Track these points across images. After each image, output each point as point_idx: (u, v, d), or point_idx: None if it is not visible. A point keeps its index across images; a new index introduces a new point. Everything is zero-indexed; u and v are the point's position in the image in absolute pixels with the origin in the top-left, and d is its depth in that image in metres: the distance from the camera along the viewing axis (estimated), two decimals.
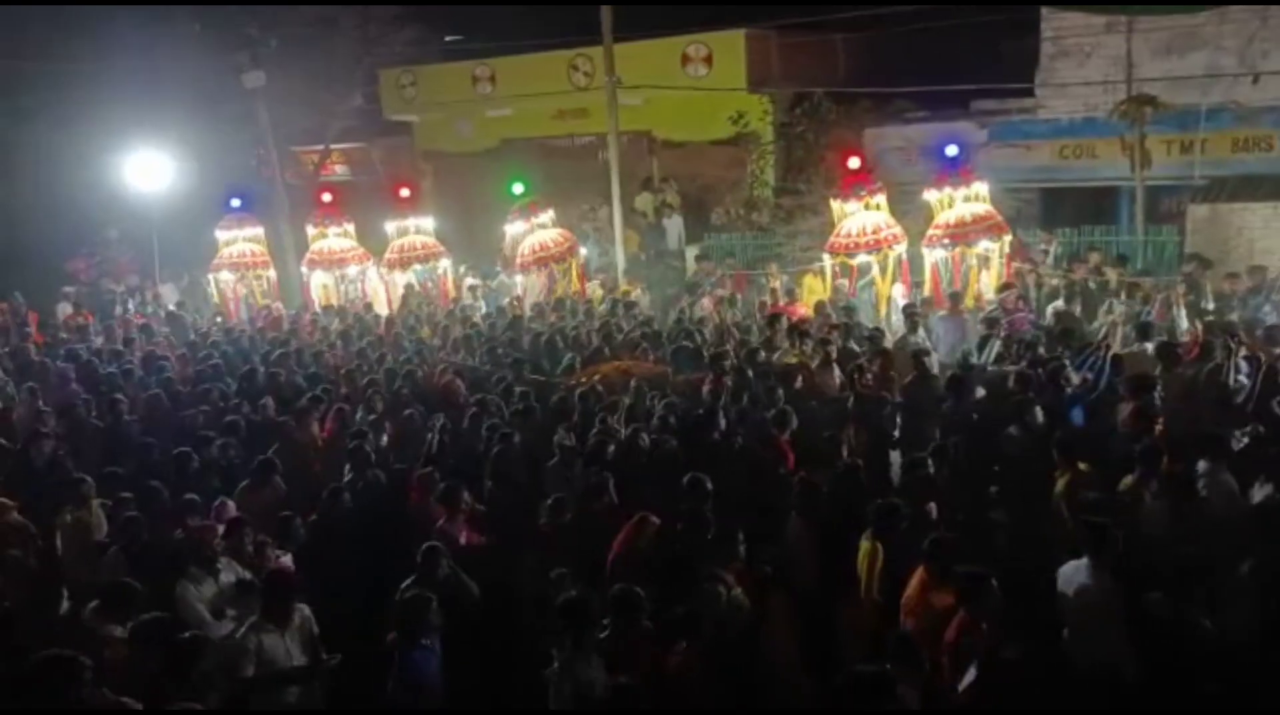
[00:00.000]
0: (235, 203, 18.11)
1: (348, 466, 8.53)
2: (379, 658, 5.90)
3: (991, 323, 11.41)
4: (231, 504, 7.90)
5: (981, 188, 14.07)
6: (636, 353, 11.48)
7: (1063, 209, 18.53)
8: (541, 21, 21.54)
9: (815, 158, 19.00)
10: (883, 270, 14.18)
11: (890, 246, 14.07)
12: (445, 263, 17.43)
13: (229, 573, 6.82)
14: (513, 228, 16.51)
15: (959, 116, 19.33)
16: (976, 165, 17.74)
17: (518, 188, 17.15)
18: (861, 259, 14.14)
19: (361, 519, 7.83)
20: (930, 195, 14.25)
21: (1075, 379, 9.10)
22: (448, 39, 25.28)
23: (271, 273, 18.05)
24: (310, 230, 17.75)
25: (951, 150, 14.39)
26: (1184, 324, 11.42)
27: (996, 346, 10.43)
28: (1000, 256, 13.86)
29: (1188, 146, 17.26)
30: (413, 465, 8.69)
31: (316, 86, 22.02)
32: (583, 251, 17.02)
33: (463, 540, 7.24)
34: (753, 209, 19.86)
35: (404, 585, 6.23)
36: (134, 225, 20.43)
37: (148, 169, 19.36)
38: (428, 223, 17.64)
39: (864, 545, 6.41)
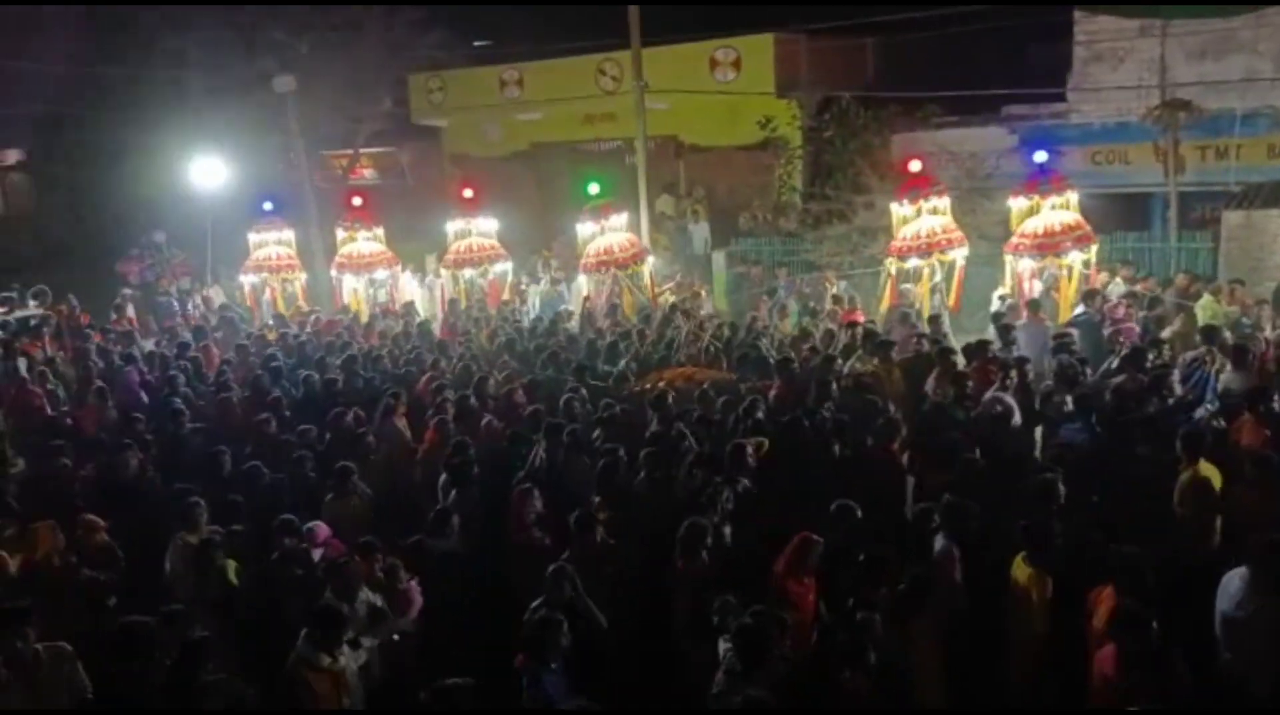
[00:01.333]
0: (267, 206, 18.24)
1: (443, 480, 8.13)
2: (503, 679, 5.80)
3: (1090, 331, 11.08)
4: (323, 527, 7.44)
5: (1072, 196, 13.56)
6: (705, 360, 11.32)
7: (1094, 215, 18.27)
8: (569, 25, 21.57)
9: (843, 162, 18.93)
10: (931, 274, 13.98)
11: (944, 250, 13.82)
12: (502, 266, 17.29)
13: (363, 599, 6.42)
14: (583, 228, 16.35)
15: (989, 121, 19.22)
16: (1001, 170, 17.79)
17: (593, 188, 16.98)
18: (913, 263, 13.93)
19: (467, 539, 7.48)
20: (1016, 202, 13.84)
21: (1179, 390, 8.89)
22: (476, 43, 25.39)
23: (302, 276, 18.16)
24: (340, 234, 17.84)
25: (1040, 156, 13.92)
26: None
27: (1114, 360, 9.89)
28: (1086, 266, 13.48)
29: (1222, 152, 17.11)
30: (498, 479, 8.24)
31: (345, 91, 22.17)
32: (651, 259, 16.71)
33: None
34: (780, 214, 19.81)
35: (532, 606, 6.07)
36: (182, 228, 20.69)
37: (203, 171, 19.60)
38: (490, 224, 17.51)
39: (1025, 571, 6.04)
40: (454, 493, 7.92)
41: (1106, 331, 11.25)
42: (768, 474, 7.71)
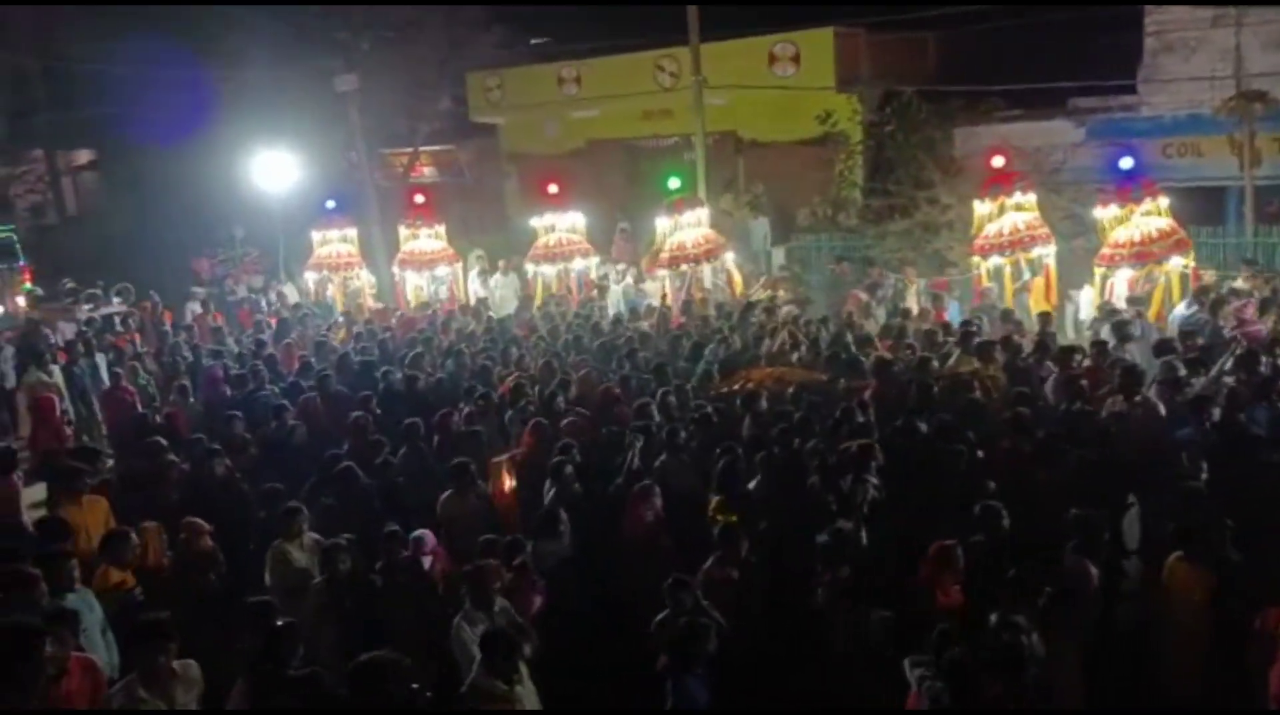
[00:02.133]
0: (330, 204, 18.49)
1: (548, 483, 7.93)
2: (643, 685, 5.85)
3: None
4: (430, 535, 7.23)
5: (1163, 201, 13.23)
6: (792, 358, 11.18)
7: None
8: (627, 22, 21.58)
9: (905, 157, 18.70)
10: (1016, 273, 13.74)
11: (1028, 248, 13.56)
12: (583, 262, 17.23)
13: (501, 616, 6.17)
14: (661, 224, 16.27)
15: (1055, 114, 18.85)
16: (1069, 164, 17.42)
17: (673, 182, 16.88)
18: (994, 261, 13.69)
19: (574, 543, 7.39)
20: (1102, 212, 13.41)
21: None
22: (534, 41, 25.50)
23: (366, 273, 18.38)
24: (402, 231, 18.02)
25: (1126, 163, 13.52)
26: None
27: (1229, 361, 9.52)
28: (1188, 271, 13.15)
29: None
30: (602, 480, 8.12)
31: (405, 90, 22.41)
32: (730, 256, 16.59)
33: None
34: (839, 210, 19.62)
35: (660, 617, 6.00)
36: (251, 226, 21.08)
37: (269, 169, 19.92)
38: (577, 219, 17.46)
39: (1184, 569, 5.97)
40: (553, 493, 7.83)
41: (1229, 332, 10.86)
42: (887, 478, 7.58)
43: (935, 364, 10.17)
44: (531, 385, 10.53)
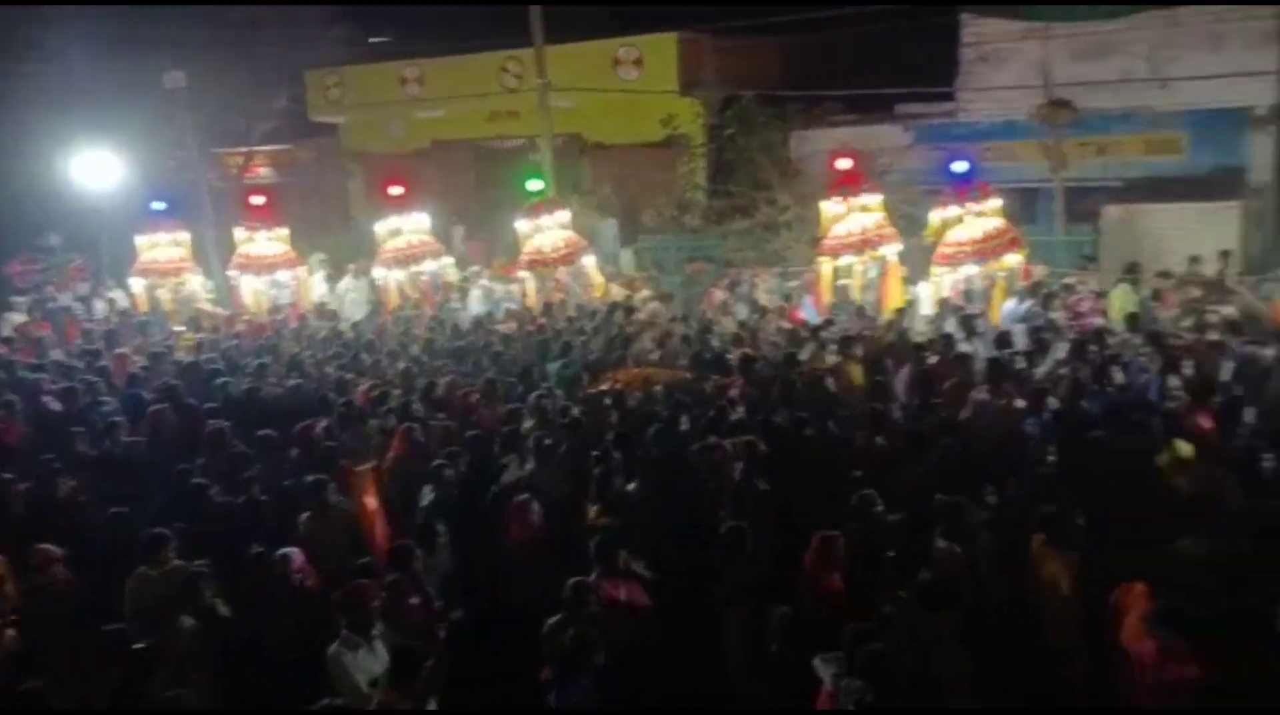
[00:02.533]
0: (157, 206, 17.61)
1: (427, 488, 7.68)
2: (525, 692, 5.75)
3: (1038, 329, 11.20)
4: (298, 553, 6.72)
5: (995, 202, 13.85)
6: (656, 358, 11.26)
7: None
8: (471, 23, 21.46)
9: (746, 160, 19.28)
10: (865, 271, 14.15)
11: (876, 247, 13.94)
12: (435, 264, 16.69)
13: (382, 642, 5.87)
14: (522, 226, 16.09)
15: (883, 119, 19.76)
16: (898, 167, 18.32)
17: (534, 184, 16.70)
18: (846, 260, 14.04)
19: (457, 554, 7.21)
20: (938, 214, 13.91)
21: (1120, 378, 9.26)
22: (373, 39, 25.02)
23: (199, 278, 17.55)
24: (239, 233, 17.32)
25: (959, 166, 14.11)
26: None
27: (1062, 350, 10.23)
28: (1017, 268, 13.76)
29: (1103, 149, 17.99)
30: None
31: (240, 88, 21.60)
32: (591, 258, 16.47)
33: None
34: (684, 211, 20.06)
35: (551, 622, 5.82)
36: (76, 230, 19.85)
37: (88, 168, 18.80)
38: (423, 220, 16.90)
39: (1049, 555, 6.21)
40: (431, 500, 7.60)
41: (1065, 324, 11.59)
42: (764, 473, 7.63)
43: (801, 360, 10.49)
44: (395, 392, 10.25)
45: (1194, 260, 13.70)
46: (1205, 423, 7.84)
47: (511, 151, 23.05)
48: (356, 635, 5.76)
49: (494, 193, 21.53)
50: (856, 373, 10.20)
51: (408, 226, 16.68)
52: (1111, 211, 16.75)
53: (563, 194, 19.01)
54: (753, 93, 19.81)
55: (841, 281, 14.19)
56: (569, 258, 15.84)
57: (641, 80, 21.22)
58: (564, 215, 16.32)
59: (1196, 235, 15.61)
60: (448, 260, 17.04)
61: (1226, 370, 9.23)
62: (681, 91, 20.93)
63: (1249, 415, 8.01)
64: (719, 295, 15.18)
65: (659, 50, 21.31)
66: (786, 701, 5.66)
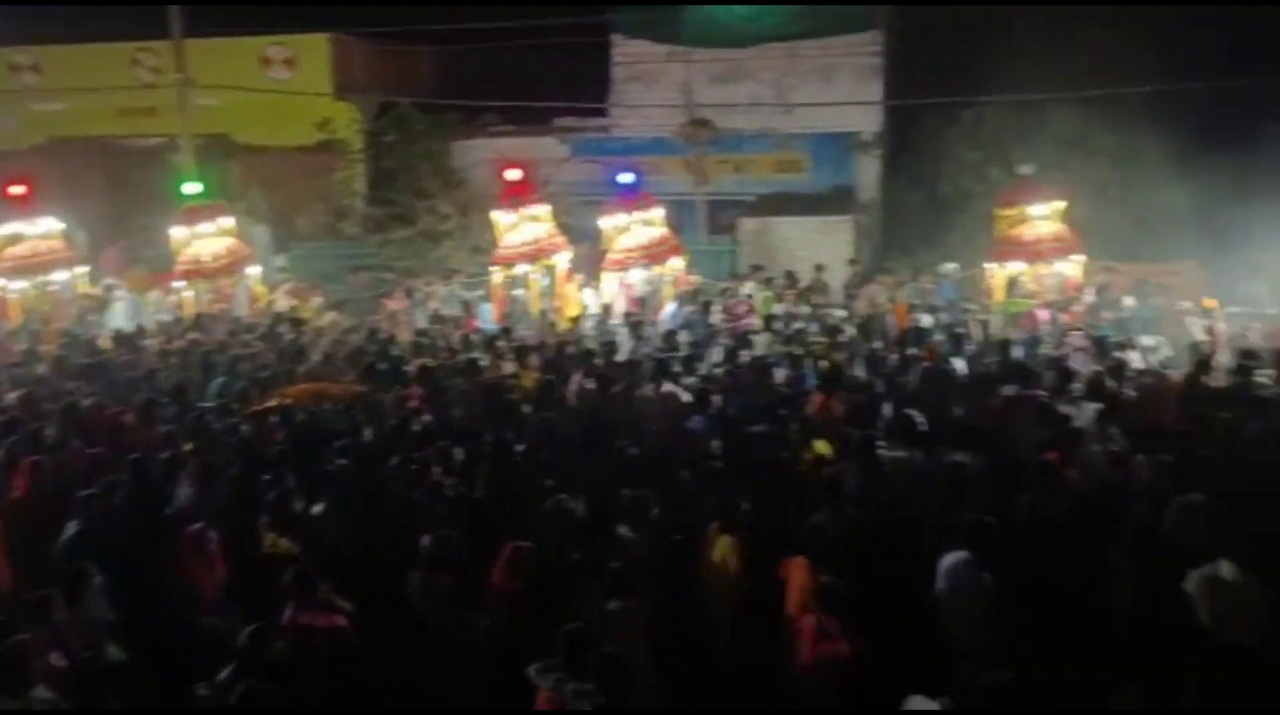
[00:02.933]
0: None
1: (71, 525, 6.86)
2: None
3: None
4: None
5: (656, 213, 14.50)
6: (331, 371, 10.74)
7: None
8: (98, 9, 19.59)
9: (406, 167, 19.10)
10: (539, 279, 14.27)
11: (549, 256, 14.14)
12: (65, 273, 14.90)
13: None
14: (177, 233, 14.74)
15: (542, 132, 20.32)
16: (556, 178, 18.92)
17: (192, 187, 15.30)
18: (521, 268, 14.12)
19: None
20: (606, 222, 14.39)
21: (781, 377, 9.89)
22: None
23: None
24: None
25: (625, 178, 14.63)
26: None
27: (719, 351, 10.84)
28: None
29: (739, 166, 19.57)
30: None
31: None
32: (256, 268, 15.44)
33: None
34: (341, 218, 19.52)
35: (220, 678, 5.21)
36: None
37: None
38: (53, 225, 14.98)
39: (721, 541, 6.50)
40: (73, 535, 6.70)
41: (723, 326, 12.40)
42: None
43: (482, 367, 10.49)
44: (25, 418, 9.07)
45: (819, 268, 15.25)
46: (835, 410, 8.67)
47: (148, 151, 21.24)
48: (10, 699, 5.04)
49: (128, 196, 19.78)
50: (533, 381, 10.34)
51: (33, 232, 14.85)
52: (747, 223, 18.29)
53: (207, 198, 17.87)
54: (410, 100, 19.67)
55: (516, 290, 14.37)
56: (232, 267, 14.92)
57: (293, 81, 20.39)
58: (226, 221, 15.37)
59: (819, 245, 17.45)
60: (82, 270, 15.42)
61: (858, 368, 10.29)
62: (336, 95, 20.36)
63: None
64: (392, 305, 14.92)
65: (311, 51, 20.61)
66: (497, 709, 5.59)
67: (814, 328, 12.24)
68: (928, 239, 17.91)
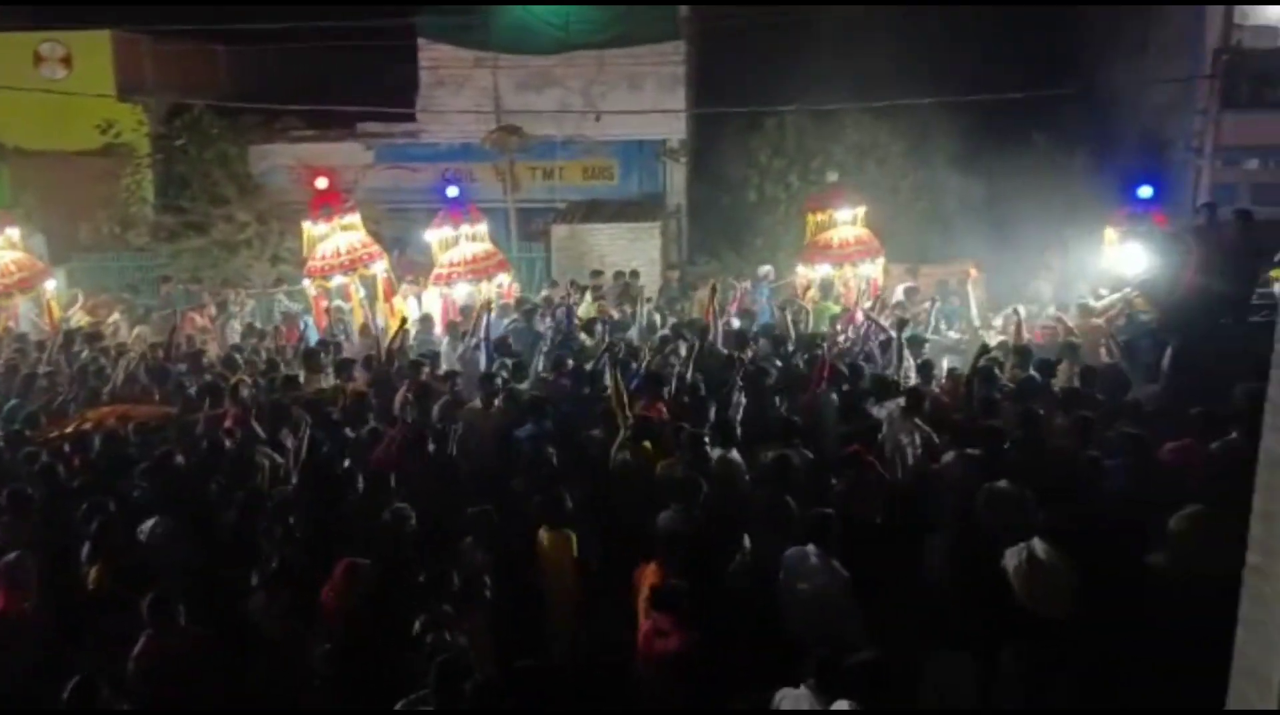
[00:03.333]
0: None
1: None
2: None
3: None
4: None
5: (481, 227, 14.17)
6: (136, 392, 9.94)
7: None
8: None
9: (199, 173, 18.17)
10: (358, 289, 13.71)
11: (367, 265, 13.61)
12: None
13: None
14: None
15: (345, 137, 19.74)
16: (362, 185, 18.42)
17: None
18: (338, 280, 13.52)
19: None
20: (432, 235, 13.99)
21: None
22: None
23: None
24: None
25: (452, 191, 14.33)
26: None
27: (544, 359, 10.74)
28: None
29: (549, 173, 19.56)
30: None
31: None
32: (52, 282, 14.22)
33: None
34: (129, 227, 18.35)
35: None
36: None
37: None
38: None
39: (548, 536, 6.69)
40: None
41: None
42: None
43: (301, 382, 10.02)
44: None
45: (633, 274, 15.37)
46: (662, 412, 8.75)
47: None
48: None
49: None
50: (360, 394, 9.92)
51: None
52: (559, 230, 18.28)
53: None
54: (204, 102, 18.72)
55: (335, 303, 13.82)
56: (26, 284, 13.72)
57: (71, 81, 19.04)
58: (13, 231, 14.19)
59: (628, 251, 17.64)
60: None
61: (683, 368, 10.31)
62: (119, 96, 19.13)
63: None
64: (198, 319, 14.05)
65: (90, 49, 19.29)
66: None
67: (634, 332, 12.35)
68: (733, 243, 18.40)
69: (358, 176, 18.84)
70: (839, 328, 12.42)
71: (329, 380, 10.34)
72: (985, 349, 9.80)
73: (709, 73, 20.05)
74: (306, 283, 13.81)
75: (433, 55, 19.60)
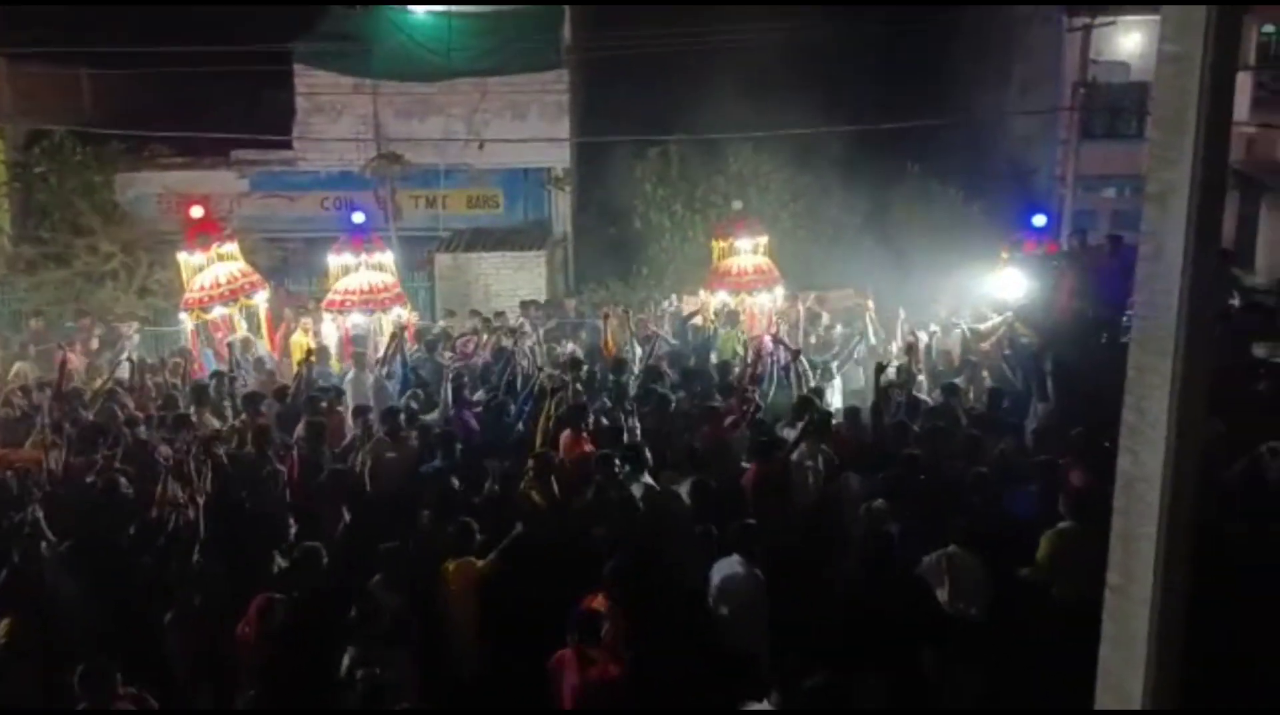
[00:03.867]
0: None
1: None
2: None
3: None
4: None
5: (385, 257, 13.84)
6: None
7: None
8: None
9: (61, 202, 17.36)
10: (251, 321, 13.26)
11: (249, 295, 13.15)
12: None
13: None
14: None
15: (219, 165, 19.14)
16: (237, 214, 17.89)
17: None
18: (218, 311, 12.97)
19: None
20: (332, 260, 13.60)
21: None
22: None
23: None
24: None
25: (358, 217, 14.07)
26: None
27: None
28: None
29: (432, 202, 19.32)
30: None
31: None
32: None
33: None
34: None
35: None
36: None
37: None
38: None
39: (454, 564, 6.76)
40: None
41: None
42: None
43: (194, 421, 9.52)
44: None
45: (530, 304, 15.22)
46: (583, 443, 8.73)
47: None
48: None
49: None
50: (264, 430, 9.50)
51: None
52: (442, 259, 18.04)
53: None
54: (66, 128, 17.89)
55: (243, 335, 13.15)
56: None
57: None
58: None
59: (513, 280, 17.52)
60: None
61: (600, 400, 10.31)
62: None
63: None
64: (74, 358, 13.24)
65: None
66: None
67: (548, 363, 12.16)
68: (620, 271, 18.46)
69: (232, 205, 18.30)
70: (750, 354, 12.49)
71: (225, 415, 9.99)
72: (881, 367, 10.00)
73: (593, 101, 20.14)
74: (183, 316, 13.29)
75: (310, 81, 19.17)
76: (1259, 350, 11.08)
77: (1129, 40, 19.75)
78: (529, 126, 19.10)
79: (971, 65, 23.70)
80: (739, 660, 6.13)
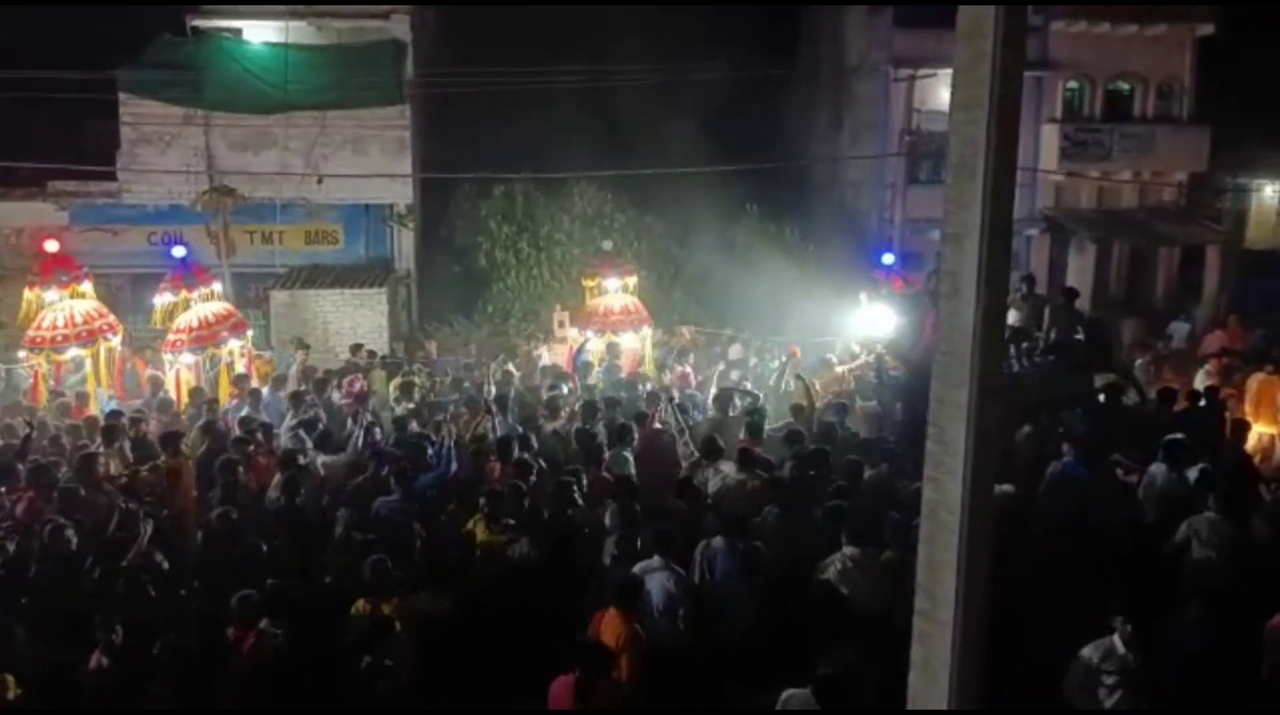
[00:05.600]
0: None
1: None
2: None
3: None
4: None
5: (216, 287, 13.48)
6: None
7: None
8: None
9: None
10: (95, 365, 12.47)
11: (107, 337, 12.51)
12: None
13: None
14: None
15: (34, 196, 18.07)
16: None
17: None
18: (73, 353, 12.28)
19: None
20: (160, 299, 13.20)
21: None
22: None
23: None
24: None
25: (179, 251, 13.80)
26: None
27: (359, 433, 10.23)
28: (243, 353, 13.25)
29: (268, 237, 18.73)
30: None
31: None
32: None
33: None
34: None
35: None
36: None
37: None
38: None
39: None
40: None
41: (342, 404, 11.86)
42: None
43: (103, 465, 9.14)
44: None
45: (366, 349, 14.87)
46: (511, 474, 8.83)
47: None
48: None
49: None
50: (188, 472, 9.41)
51: None
52: (278, 296, 17.46)
53: None
54: None
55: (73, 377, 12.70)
56: None
57: None
58: None
59: (354, 317, 17.14)
60: None
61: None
62: None
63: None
64: None
65: None
66: None
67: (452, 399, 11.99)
68: (464, 309, 18.28)
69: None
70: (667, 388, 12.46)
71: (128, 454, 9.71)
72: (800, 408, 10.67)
73: (438, 137, 19.95)
74: (22, 354, 12.71)
75: (136, 110, 18.35)
76: (1099, 381, 11.91)
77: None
78: (370, 162, 18.76)
79: (806, 112, 24.73)
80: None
